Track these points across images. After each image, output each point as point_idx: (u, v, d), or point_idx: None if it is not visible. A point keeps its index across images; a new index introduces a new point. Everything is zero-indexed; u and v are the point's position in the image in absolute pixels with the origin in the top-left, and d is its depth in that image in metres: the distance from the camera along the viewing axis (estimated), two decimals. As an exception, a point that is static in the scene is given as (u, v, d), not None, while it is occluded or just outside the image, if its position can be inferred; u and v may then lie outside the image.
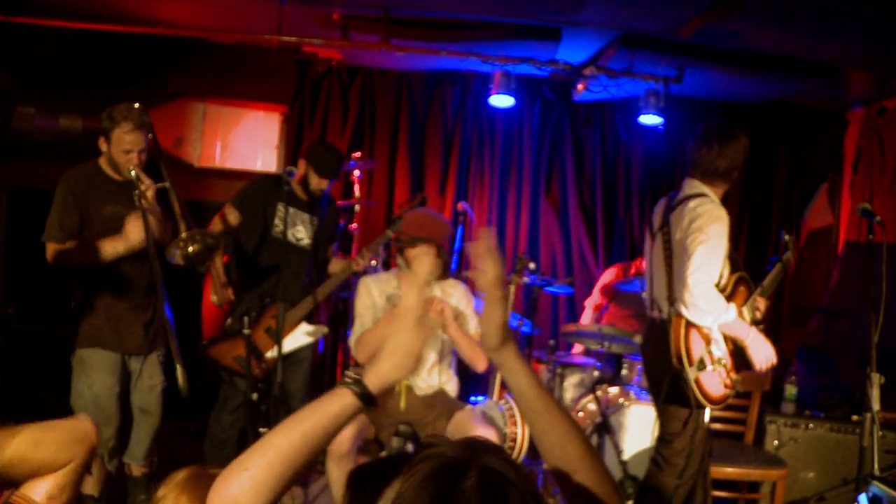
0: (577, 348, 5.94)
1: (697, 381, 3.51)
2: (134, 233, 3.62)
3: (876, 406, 3.01)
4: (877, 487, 3.46)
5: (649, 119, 5.93)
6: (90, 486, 3.94)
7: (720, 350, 3.61)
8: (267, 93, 6.38)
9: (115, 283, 3.85)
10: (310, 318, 4.41)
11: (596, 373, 5.21)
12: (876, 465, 2.97)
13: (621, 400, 4.80)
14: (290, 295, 4.37)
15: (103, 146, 3.79)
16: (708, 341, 3.57)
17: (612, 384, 5.12)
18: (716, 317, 3.50)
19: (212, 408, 4.50)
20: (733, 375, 3.62)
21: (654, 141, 6.60)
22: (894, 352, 3.58)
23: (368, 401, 1.59)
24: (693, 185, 3.73)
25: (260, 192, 4.52)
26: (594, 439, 4.65)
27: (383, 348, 1.70)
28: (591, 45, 5.64)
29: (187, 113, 6.22)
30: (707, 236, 3.48)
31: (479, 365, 3.98)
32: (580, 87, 6.14)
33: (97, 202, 3.83)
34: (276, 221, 4.47)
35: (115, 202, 3.81)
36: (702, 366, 3.51)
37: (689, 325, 3.54)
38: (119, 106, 3.72)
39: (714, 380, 3.58)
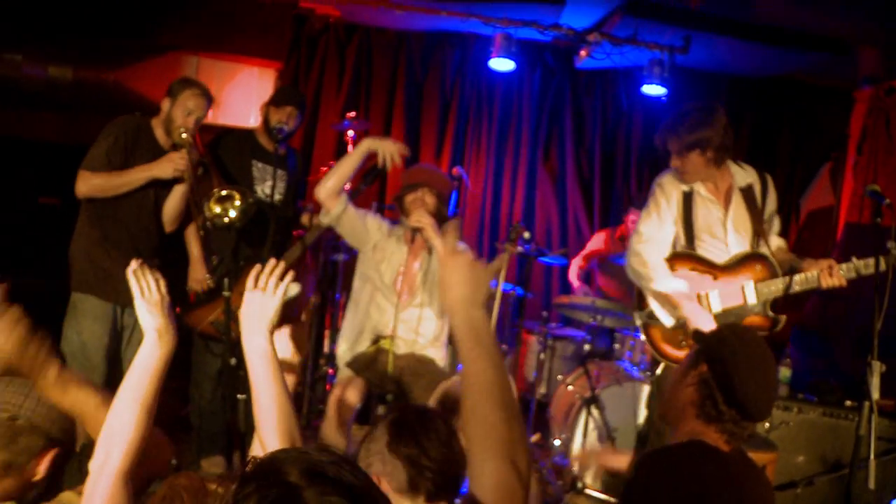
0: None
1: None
2: (173, 162, 3.75)
3: (875, 395, 2.92)
4: None
5: (652, 89, 5.80)
6: None
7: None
8: (262, 48, 6.24)
9: (119, 233, 3.88)
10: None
11: (587, 346, 5.12)
12: (872, 455, 2.89)
13: (612, 375, 4.71)
14: (263, 253, 4.20)
15: (165, 104, 3.92)
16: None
17: (603, 358, 5.03)
18: (642, 282, 3.67)
19: (189, 365, 4.38)
20: None
21: (656, 112, 6.47)
22: (892, 338, 3.49)
23: None
24: None
25: (234, 149, 4.40)
26: (582, 414, 4.57)
27: None
28: (595, 10, 5.53)
29: (181, 66, 6.07)
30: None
31: None
32: (583, 53, 6.02)
33: (137, 155, 3.88)
34: (256, 179, 4.37)
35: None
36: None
37: None
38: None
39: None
